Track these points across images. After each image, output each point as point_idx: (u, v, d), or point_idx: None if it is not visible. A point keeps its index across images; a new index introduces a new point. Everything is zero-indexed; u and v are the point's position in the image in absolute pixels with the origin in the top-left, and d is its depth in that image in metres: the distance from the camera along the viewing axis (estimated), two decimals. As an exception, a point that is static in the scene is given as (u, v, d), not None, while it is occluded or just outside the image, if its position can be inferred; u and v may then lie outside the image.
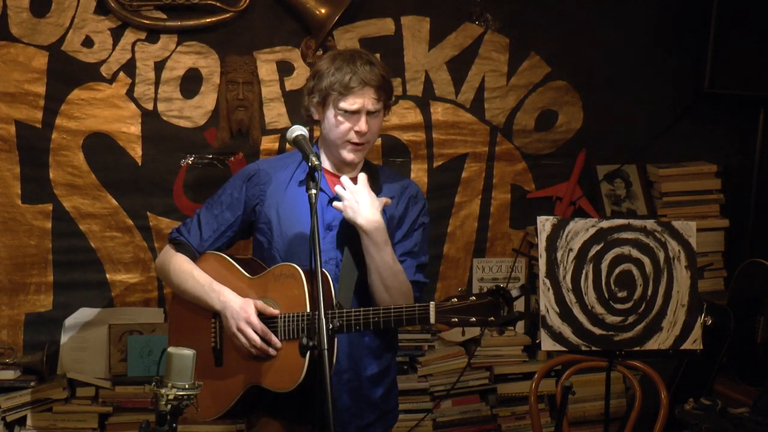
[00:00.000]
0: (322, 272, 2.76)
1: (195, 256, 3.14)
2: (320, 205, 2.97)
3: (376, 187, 3.10)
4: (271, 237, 3.11)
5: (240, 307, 2.97)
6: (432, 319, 2.83)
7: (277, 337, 2.94)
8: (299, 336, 2.87)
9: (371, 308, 2.90)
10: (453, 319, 2.80)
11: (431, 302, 2.85)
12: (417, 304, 2.88)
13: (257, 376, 2.99)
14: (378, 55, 4.25)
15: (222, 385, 3.03)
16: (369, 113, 3.04)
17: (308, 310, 2.89)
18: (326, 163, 3.15)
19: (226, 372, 3.04)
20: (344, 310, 2.88)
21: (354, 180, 3.06)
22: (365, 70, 3.02)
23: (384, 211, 3.05)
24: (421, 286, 3.19)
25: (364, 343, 3.12)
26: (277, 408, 3.07)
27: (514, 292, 2.77)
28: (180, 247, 3.16)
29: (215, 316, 3.07)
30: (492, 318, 2.79)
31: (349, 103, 3.02)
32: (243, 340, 2.95)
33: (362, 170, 3.15)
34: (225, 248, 3.21)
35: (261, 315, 2.98)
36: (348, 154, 3.08)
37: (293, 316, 2.93)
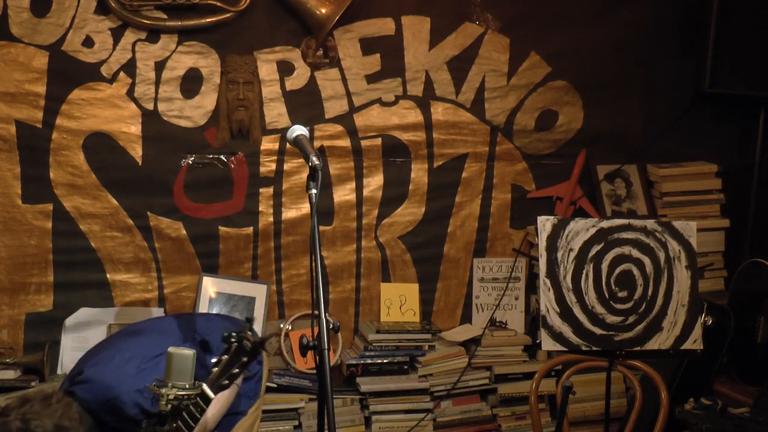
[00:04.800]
0: None
1: None
2: None
3: None
4: None
5: None
6: (212, 394, 2.85)
7: None
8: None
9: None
10: (225, 382, 2.86)
11: (203, 385, 2.85)
12: (195, 396, 2.87)
13: None
14: (378, 55, 4.27)
15: None
16: None
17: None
18: None
19: None
20: None
21: None
22: None
23: None
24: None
25: None
26: None
27: (247, 323, 2.94)
28: None
29: None
30: (246, 357, 2.86)
31: None
32: None
33: None
34: None
35: None
36: None
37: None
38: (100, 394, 3.11)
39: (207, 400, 2.82)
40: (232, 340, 2.83)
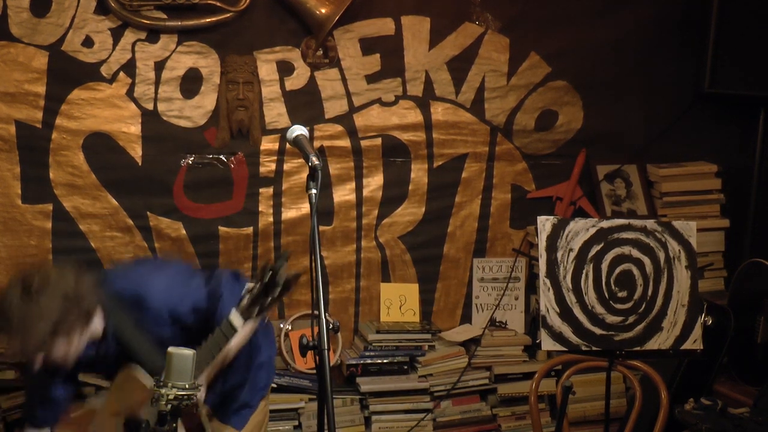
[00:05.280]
0: None
1: None
2: None
3: None
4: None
5: None
6: (239, 323, 2.80)
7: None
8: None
9: (200, 353, 2.82)
10: (255, 310, 2.80)
11: (231, 313, 2.82)
12: (224, 323, 2.84)
13: None
14: (378, 55, 4.27)
15: None
16: (36, 352, 2.88)
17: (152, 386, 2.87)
18: None
19: None
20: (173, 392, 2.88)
21: None
22: None
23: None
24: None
25: None
26: None
27: (282, 257, 2.83)
28: None
29: None
30: (279, 288, 2.78)
31: None
32: None
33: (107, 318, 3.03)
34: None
35: (130, 421, 2.98)
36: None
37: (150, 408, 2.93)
38: (127, 285, 3.03)
39: (234, 329, 2.80)
40: (269, 270, 2.80)
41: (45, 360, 2.84)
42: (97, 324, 2.92)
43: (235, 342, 2.94)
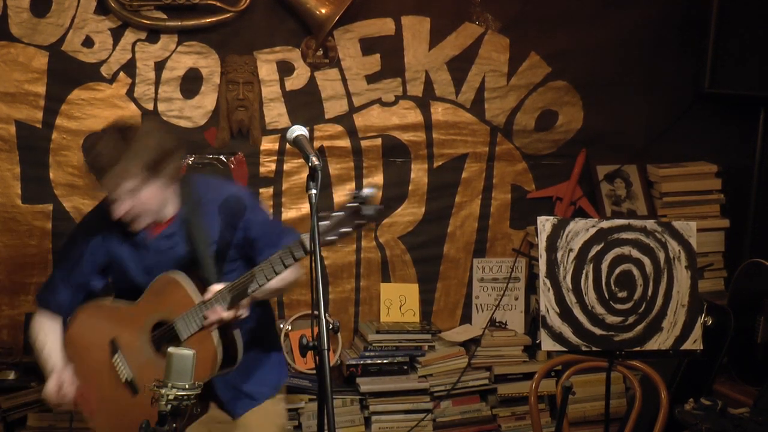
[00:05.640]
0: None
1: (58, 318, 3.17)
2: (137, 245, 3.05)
3: (197, 216, 3.07)
4: (123, 278, 3.13)
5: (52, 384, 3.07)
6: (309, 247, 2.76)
7: (182, 338, 2.96)
8: (200, 327, 2.92)
9: (260, 269, 2.88)
10: (329, 238, 2.79)
11: (304, 235, 2.81)
12: (295, 243, 2.84)
13: None
14: (378, 55, 4.27)
15: (149, 408, 3.00)
16: (126, 194, 2.95)
17: (197, 301, 2.93)
18: None
19: (145, 396, 3.03)
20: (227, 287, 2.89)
21: (168, 222, 3.05)
22: (100, 162, 2.94)
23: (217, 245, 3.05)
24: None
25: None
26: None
27: (366, 191, 2.79)
28: (42, 310, 3.19)
29: (114, 351, 3.08)
30: (361, 221, 2.74)
31: (103, 190, 3.01)
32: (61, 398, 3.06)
33: (181, 203, 3.07)
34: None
35: (160, 324, 3.00)
36: (132, 228, 3.05)
37: (188, 314, 2.96)
38: (201, 187, 3.08)
39: (303, 250, 2.80)
40: (354, 198, 2.79)
41: (130, 210, 2.93)
42: (174, 200, 3.02)
43: (288, 274, 2.93)
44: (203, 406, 3.11)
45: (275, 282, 2.92)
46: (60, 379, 3.07)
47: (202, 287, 2.95)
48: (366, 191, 2.74)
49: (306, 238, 2.80)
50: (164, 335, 2.99)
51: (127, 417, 2.91)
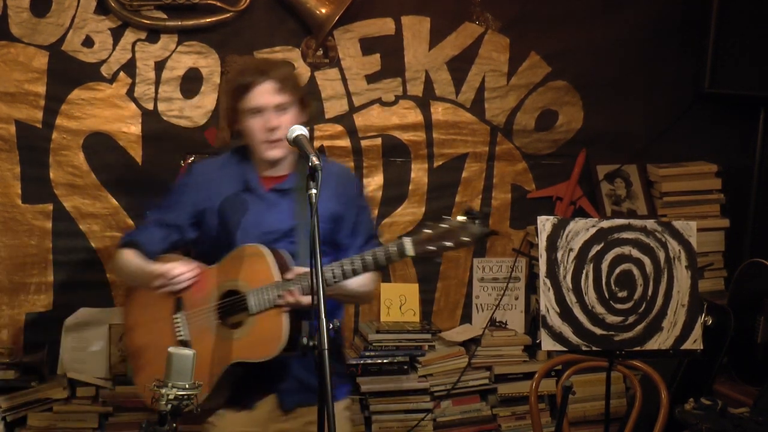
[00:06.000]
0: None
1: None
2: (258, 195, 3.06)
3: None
4: (217, 230, 3.12)
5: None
6: (410, 252, 2.81)
7: (251, 312, 2.95)
8: (270, 305, 2.91)
9: (349, 260, 2.90)
10: (429, 248, 2.79)
11: (405, 237, 2.83)
12: (393, 243, 2.86)
13: (237, 352, 2.98)
14: (378, 55, 4.27)
15: (199, 371, 2.99)
16: (277, 108, 3.02)
17: (276, 280, 2.92)
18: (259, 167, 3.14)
19: (200, 360, 3.02)
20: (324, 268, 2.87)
21: (282, 178, 3.06)
22: (260, 67, 3.06)
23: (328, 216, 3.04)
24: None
25: None
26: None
27: (484, 210, 2.79)
28: (130, 245, 3.17)
29: (177, 308, 3.07)
30: (466, 238, 2.77)
31: (252, 102, 3.01)
32: (173, 280, 3.00)
33: (295, 168, 3.11)
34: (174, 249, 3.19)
35: (231, 293, 3.00)
36: (267, 153, 3.06)
37: (263, 289, 2.94)
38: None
39: (402, 254, 2.81)
40: (467, 213, 2.75)
41: (277, 127, 2.96)
42: (291, 157, 3.04)
43: (358, 282, 2.94)
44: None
45: (355, 283, 2.92)
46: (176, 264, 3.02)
47: (284, 266, 2.93)
48: (480, 210, 2.74)
49: (407, 241, 2.80)
50: (233, 305, 2.98)
51: None
